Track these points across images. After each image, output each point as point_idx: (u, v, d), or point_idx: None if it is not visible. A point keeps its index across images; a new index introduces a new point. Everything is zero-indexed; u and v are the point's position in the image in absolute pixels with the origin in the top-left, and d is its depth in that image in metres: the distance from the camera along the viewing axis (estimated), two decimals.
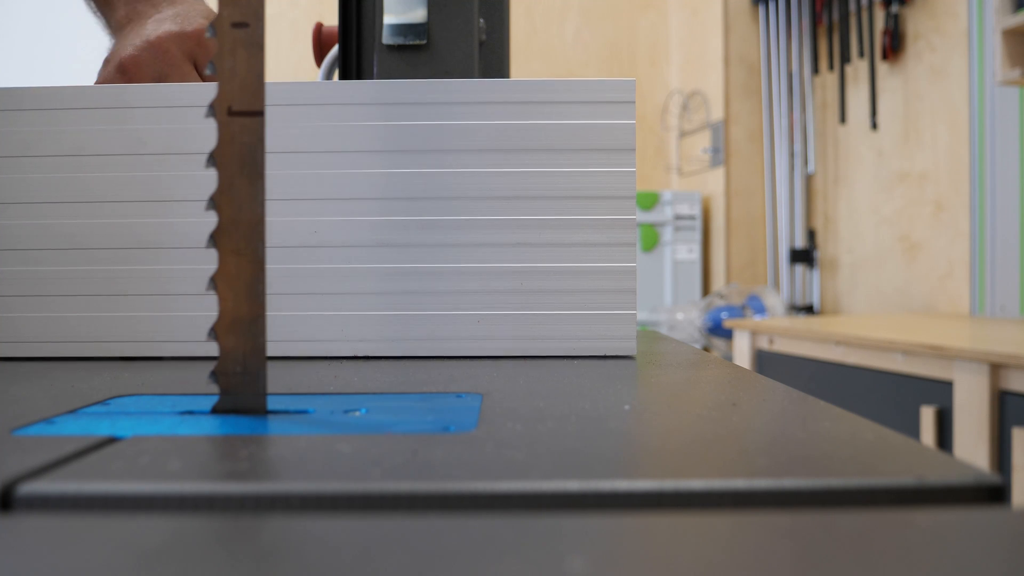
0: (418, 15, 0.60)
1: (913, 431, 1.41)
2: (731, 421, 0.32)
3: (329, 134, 0.55)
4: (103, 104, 0.55)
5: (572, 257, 0.55)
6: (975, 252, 2.15)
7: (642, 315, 2.93)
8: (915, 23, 2.40)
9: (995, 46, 1.76)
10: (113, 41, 0.72)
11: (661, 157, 3.48)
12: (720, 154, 3.03)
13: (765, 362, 1.93)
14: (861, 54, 2.55)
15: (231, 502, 0.22)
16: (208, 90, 0.54)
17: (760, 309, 2.61)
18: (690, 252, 3.03)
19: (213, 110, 0.33)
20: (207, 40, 0.69)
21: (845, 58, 2.62)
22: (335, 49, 0.75)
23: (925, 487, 0.22)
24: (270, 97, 0.54)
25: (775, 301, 2.63)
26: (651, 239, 3.01)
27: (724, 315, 2.54)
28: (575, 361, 0.53)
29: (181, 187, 0.55)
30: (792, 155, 2.86)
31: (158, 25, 0.68)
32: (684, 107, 3.32)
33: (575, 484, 0.23)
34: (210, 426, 0.32)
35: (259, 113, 0.32)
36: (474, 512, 0.22)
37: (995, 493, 0.22)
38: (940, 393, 1.37)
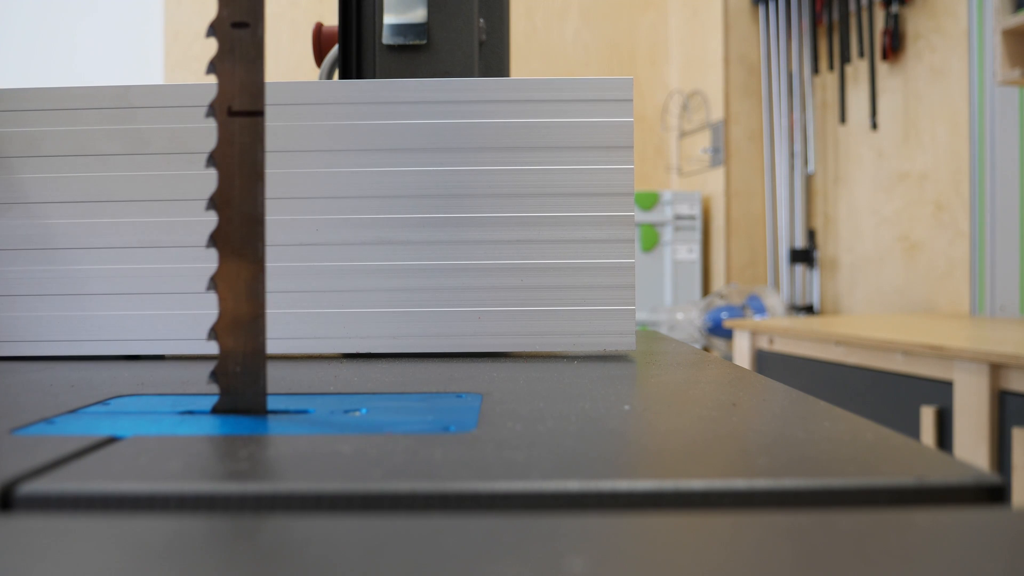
0: (418, 15, 0.60)
1: (913, 431, 1.41)
2: (731, 421, 0.32)
3: (329, 133, 0.55)
4: (105, 104, 0.55)
5: (572, 253, 0.55)
6: (975, 252, 2.15)
7: (642, 315, 2.93)
8: (915, 23, 2.40)
9: (995, 46, 1.76)
10: None
11: (661, 157, 3.48)
12: (720, 154, 3.03)
13: (765, 362, 1.93)
14: (861, 54, 2.55)
15: (231, 502, 0.22)
16: (210, 90, 0.54)
17: (760, 309, 2.61)
18: (690, 252, 3.03)
19: (213, 110, 0.33)
20: None
21: (845, 58, 2.61)
22: (335, 49, 0.75)
23: (925, 487, 0.22)
24: (270, 97, 0.54)
25: (775, 301, 2.63)
26: (651, 239, 3.01)
27: (724, 315, 2.54)
28: (575, 361, 0.53)
29: (182, 187, 0.55)
30: (792, 155, 2.86)
31: None
32: (684, 107, 3.32)
33: (575, 484, 0.23)
34: (210, 426, 0.32)
35: (259, 113, 0.32)
36: (474, 512, 0.22)
37: (995, 493, 0.22)
38: (940, 393, 1.37)
